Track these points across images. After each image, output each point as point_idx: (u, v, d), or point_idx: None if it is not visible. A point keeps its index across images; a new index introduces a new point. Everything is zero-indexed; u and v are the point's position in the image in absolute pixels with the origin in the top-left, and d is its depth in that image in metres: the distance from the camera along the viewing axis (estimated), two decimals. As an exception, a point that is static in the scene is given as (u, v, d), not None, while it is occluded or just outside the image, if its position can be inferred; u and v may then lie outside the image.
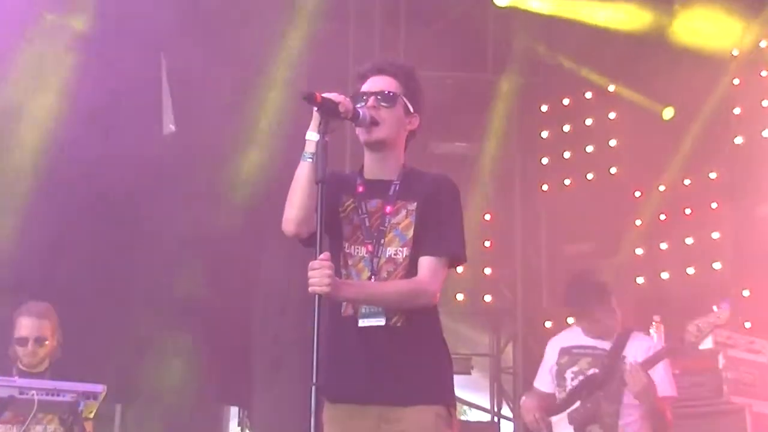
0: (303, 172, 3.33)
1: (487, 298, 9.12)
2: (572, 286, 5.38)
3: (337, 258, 3.46)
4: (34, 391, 4.61)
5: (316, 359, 3.12)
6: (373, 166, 3.56)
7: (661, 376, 4.98)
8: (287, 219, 3.38)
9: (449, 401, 3.45)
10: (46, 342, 5.29)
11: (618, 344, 5.04)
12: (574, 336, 5.25)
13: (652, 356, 4.90)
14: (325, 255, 3.20)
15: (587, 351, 5.13)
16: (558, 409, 5.11)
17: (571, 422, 5.02)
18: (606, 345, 5.10)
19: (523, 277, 9.29)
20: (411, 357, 3.39)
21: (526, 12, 9.18)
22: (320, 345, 3.11)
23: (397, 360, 3.38)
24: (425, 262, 3.41)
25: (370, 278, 3.42)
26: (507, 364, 9.35)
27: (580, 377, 5.07)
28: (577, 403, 5.03)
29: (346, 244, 3.47)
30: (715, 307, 4.97)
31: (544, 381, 5.29)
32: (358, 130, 3.49)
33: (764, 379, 6.17)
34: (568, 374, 5.14)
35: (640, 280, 8.35)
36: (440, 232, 3.43)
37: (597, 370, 5.03)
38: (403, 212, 3.46)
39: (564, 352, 5.21)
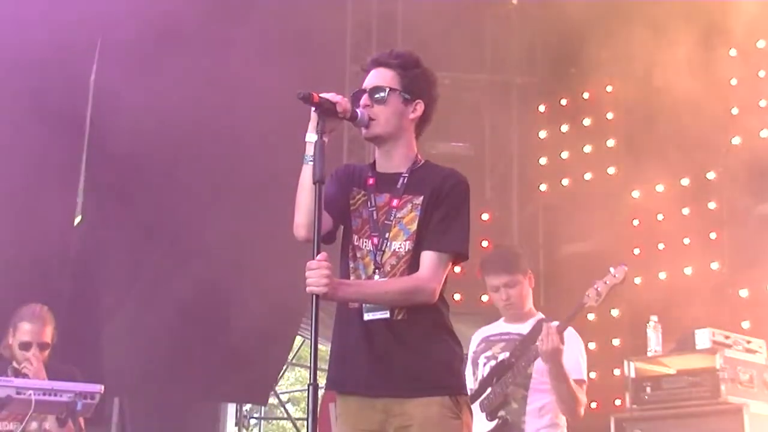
0: (306, 175, 3.34)
1: (485, 298, 9.11)
2: (492, 255, 5.27)
3: (347, 250, 3.49)
4: (31, 391, 4.61)
5: (314, 359, 3.14)
6: (381, 160, 3.58)
7: (572, 359, 4.89)
8: (297, 224, 3.40)
9: (455, 391, 3.45)
10: (48, 348, 5.32)
11: (534, 332, 4.92)
12: (495, 325, 5.18)
13: (562, 322, 4.81)
14: (323, 255, 3.21)
15: (503, 337, 5.06)
16: (474, 398, 4.95)
17: (482, 410, 4.94)
18: (523, 329, 4.99)
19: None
20: (414, 349, 3.40)
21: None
22: (317, 344, 3.13)
23: (400, 353, 3.39)
24: (426, 258, 3.41)
25: (374, 271, 3.43)
26: (504, 364, 9.34)
27: (492, 362, 4.99)
28: (488, 390, 4.95)
29: (355, 237, 3.50)
30: (611, 269, 4.93)
31: (467, 374, 5.22)
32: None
33: (762, 379, 6.17)
34: (481, 359, 5.06)
35: (637, 280, 8.34)
36: (444, 227, 3.43)
37: (507, 355, 4.95)
38: (409, 206, 3.47)
39: (482, 341, 5.15)
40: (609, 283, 4.85)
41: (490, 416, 4.92)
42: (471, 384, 5.07)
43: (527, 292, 5.07)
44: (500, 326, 5.15)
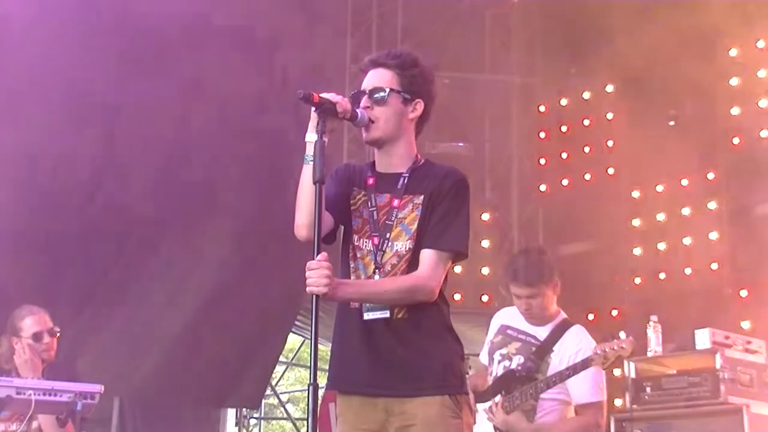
0: (306, 175, 3.33)
1: (485, 298, 9.13)
2: (523, 261, 5.10)
3: (347, 250, 3.49)
4: (31, 391, 4.61)
5: (314, 360, 3.14)
6: (381, 160, 3.57)
7: (582, 382, 4.84)
8: (298, 224, 3.38)
9: (456, 390, 3.44)
10: (56, 334, 5.31)
11: (551, 338, 4.92)
12: (515, 316, 5.11)
13: (557, 374, 4.78)
14: (323, 255, 3.20)
15: (520, 336, 5.01)
16: (482, 398, 5.00)
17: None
18: (541, 332, 4.96)
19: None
20: (415, 349, 3.40)
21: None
22: (317, 344, 3.13)
23: (401, 353, 3.39)
24: (426, 256, 3.41)
25: (374, 271, 3.43)
26: (504, 364, 9.35)
27: (506, 363, 4.97)
28: (498, 397, 4.93)
29: (356, 237, 3.49)
30: (622, 335, 4.85)
31: (483, 354, 5.21)
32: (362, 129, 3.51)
33: (762, 380, 6.17)
34: (496, 356, 5.03)
35: (637, 280, 8.35)
36: (443, 226, 3.43)
37: (521, 361, 4.92)
38: (410, 206, 3.47)
39: (502, 330, 5.11)
40: (617, 350, 4.79)
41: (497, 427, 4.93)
42: (485, 361, 5.12)
43: (550, 301, 4.99)
44: (521, 320, 5.06)
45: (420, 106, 3.55)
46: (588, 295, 7.97)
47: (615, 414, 6.45)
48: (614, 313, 8.29)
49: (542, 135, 9.39)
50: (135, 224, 8.13)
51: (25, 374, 5.08)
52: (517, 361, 4.94)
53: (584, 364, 4.73)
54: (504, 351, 5.01)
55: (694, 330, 6.34)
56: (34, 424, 4.91)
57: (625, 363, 6.49)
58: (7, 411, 4.67)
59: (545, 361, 4.87)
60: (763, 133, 7.85)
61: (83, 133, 7.43)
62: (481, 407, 5.03)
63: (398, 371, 3.38)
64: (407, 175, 3.51)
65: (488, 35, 9.73)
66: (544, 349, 4.91)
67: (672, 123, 8.36)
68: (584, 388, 4.84)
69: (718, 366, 6.03)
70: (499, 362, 5.01)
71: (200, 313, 8.39)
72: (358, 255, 3.48)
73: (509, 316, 5.15)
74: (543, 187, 9.35)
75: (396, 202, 3.48)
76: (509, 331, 5.07)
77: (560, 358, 4.84)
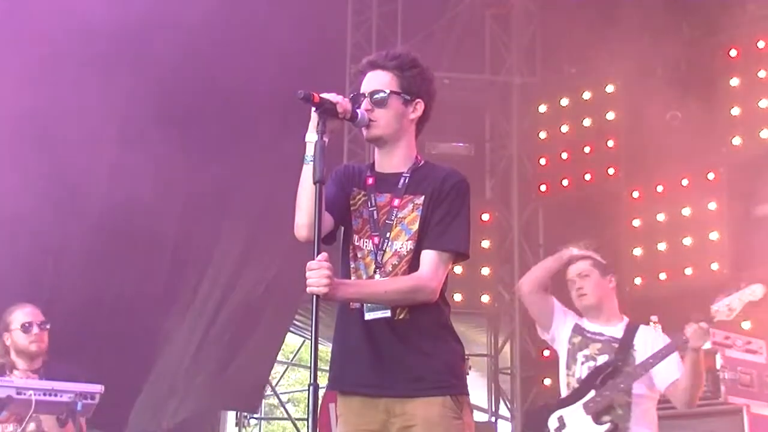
0: (306, 175, 3.33)
1: (485, 298, 9.12)
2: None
3: (347, 250, 3.49)
4: (31, 391, 4.61)
5: (314, 360, 3.14)
6: (382, 160, 3.58)
7: (668, 363, 5.00)
8: (298, 225, 3.39)
9: (457, 390, 3.45)
10: (48, 326, 5.31)
11: (627, 335, 5.10)
12: (585, 321, 5.27)
13: (668, 345, 4.94)
14: (323, 256, 3.20)
15: (598, 337, 5.17)
16: (572, 399, 5.12)
17: (587, 412, 5.05)
18: (617, 332, 5.14)
19: (520, 277, 9.25)
20: (416, 349, 3.41)
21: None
22: (318, 344, 3.13)
23: (402, 353, 3.39)
24: (427, 257, 3.41)
25: (375, 271, 3.44)
26: (504, 364, 9.35)
27: (591, 363, 5.11)
28: (592, 393, 5.05)
29: (356, 237, 3.50)
30: (743, 285, 4.92)
31: (553, 328, 5.31)
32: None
33: (762, 380, 6.17)
34: (579, 356, 5.17)
35: (638, 280, 8.34)
36: (444, 226, 3.43)
37: (608, 358, 5.06)
38: (410, 206, 3.47)
39: (577, 330, 5.25)
40: (743, 299, 4.85)
41: (597, 420, 5.01)
42: (567, 377, 5.21)
43: (603, 292, 5.20)
44: (592, 324, 5.23)
45: (420, 106, 3.55)
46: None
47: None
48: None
49: (542, 135, 9.38)
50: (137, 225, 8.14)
51: (18, 364, 5.13)
52: (603, 360, 5.08)
53: (709, 320, 4.87)
54: (587, 352, 5.14)
55: (694, 330, 6.33)
56: (32, 426, 4.91)
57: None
58: (7, 411, 4.67)
59: (630, 355, 5.01)
60: (763, 133, 7.85)
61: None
62: (568, 411, 5.14)
63: (399, 371, 3.39)
64: (408, 175, 3.51)
65: (488, 35, 9.73)
66: (625, 345, 5.07)
67: (675, 121, 8.35)
68: (672, 365, 4.96)
69: (718, 366, 6.03)
70: (583, 363, 5.16)
71: (197, 315, 8.39)
72: (359, 255, 3.48)
73: (579, 321, 5.29)
74: (543, 187, 9.35)
75: (396, 202, 3.48)
76: (587, 334, 5.21)
77: (644, 349, 5.00)
